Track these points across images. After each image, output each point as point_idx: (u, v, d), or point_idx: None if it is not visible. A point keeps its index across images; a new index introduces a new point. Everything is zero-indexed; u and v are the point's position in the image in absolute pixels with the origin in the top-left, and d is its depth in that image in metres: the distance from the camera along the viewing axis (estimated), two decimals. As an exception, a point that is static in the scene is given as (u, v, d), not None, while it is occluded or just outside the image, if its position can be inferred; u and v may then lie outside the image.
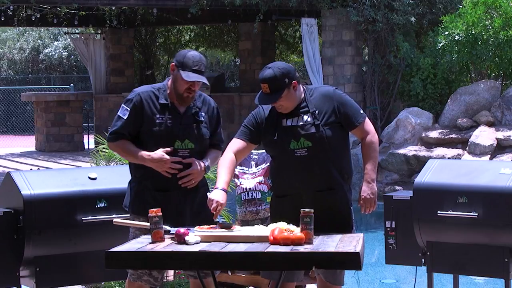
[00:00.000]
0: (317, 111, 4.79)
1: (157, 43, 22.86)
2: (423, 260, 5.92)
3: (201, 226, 4.62)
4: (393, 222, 6.09)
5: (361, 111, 4.93)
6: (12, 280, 5.45)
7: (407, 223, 5.92)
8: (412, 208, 5.86)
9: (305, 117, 4.79)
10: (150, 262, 4.31)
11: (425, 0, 15.62)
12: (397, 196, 6.17)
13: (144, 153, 4.93)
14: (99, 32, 20.62)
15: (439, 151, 13.36)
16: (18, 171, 5.69)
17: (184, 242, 4.43)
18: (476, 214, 5.54)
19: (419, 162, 12.94)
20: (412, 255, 5.99)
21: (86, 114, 22.24)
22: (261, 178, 6.30)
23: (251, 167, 6.40)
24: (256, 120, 4.91)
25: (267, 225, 4.64)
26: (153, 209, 4.54)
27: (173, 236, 4.53)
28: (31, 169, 11.21)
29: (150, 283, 4.95)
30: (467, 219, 5.57)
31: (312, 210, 4.38)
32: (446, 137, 13.66)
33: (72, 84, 24.54)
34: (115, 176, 5.56)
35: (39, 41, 30.59)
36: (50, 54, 30.03)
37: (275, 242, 4.32)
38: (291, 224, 4.50)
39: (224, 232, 4.51)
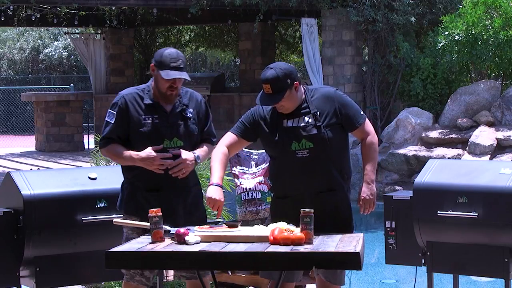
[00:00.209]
0: (318, 112, 4.79)
1: (157, 43, 22.85)
2: (423, 260, 5.92)
3: (202, 226, 4.62)
4: (393, 222, 6.09)
5: (361, 112, 4.94)
6: (12, 280, 5.46)
7: (407, 223, 5.92)
8: (412, 208, 5.86)
9: (306, 118, 4.79)
10: (150, 262, 4.31)
11: (425, 0, 15.62)
12: (397, 196, 6.17)
13: (133, 153, 4.93)
14: (99, 32, 20.62)
15: (439, 151, 13.36)
16: (18, 171, 5.69)
17: (184, 242, 4.43)
18: (476, 214, 5.54)
19: (419, 162, 12.94)
20: (412, 255, 5.99)
21: (86, 114, 22.24)
22: (261, 178, 6.30)
23: (251, 167, 6.40)
24: (254, 118, 4.90)
25: (266, 225, 4.64)
26: (153, 209, 4.54)
27: (173, 236, 4.53)
28: (31, 169, 11.20)
29: (142, 283, 4.95)
30: (467, 219, 5.57)
31: (312, 210, 4.38)
32: (446, 137, 13.66)
33: (72, 84, 24.54)
34: (115, 176, 5.56)
35: (39, 41, 30.59)
36: (50, 54, 30.03)
37: (275, 242, 4.32)
38: (291, 224, 4.51)
39: (224, 232, 4.52)
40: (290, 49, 23.25)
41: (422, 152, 13.46)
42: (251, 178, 6.33)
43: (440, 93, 14.97)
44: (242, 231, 4.56)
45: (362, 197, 4.87)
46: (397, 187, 12.92)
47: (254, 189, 6.28)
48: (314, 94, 4.87)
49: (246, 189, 6.29)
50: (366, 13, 15.11)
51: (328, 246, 4.31)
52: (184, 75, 4.92)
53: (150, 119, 4.97)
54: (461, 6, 14.69)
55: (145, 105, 4.99)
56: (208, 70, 28.12)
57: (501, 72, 14.77)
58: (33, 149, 20.07)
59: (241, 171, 6.38)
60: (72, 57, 29.68)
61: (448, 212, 5.63)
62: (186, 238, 4.44)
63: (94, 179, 5.66)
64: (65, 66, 30.23)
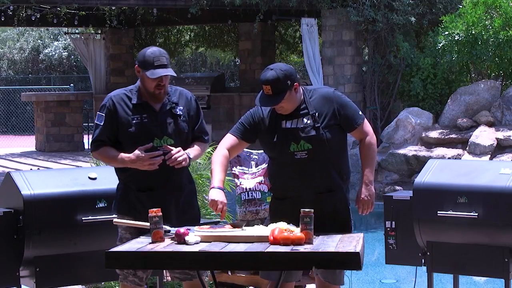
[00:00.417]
0: (317, 113, 4.79)
1: (157, 43, 22.83)
2: (423, 260, 5.92)
3: (202, 226, 4.62)
4: (393, 222, 6.09)
5: (360, 112, 4.93)
6: (12, 280, 5.46)
7: (407, 223, 5.92)
8: (412, 208, 5.86)
9: (305, 120, 4.78)
10: (150, 262, 4.31)
11: (425, 0, 15.62)
12: (397, 196, 6.17)
13: (124, 155, 4.92)
14: (99, 32, 20.62)
15: (439, 151, 13.36)
16: (18, 171, 5.69)
17: (184, 242, 4.43)
18: (476, 214, 5.54)
19: (419, 162, 12.94)
20: (412, 255, 5.99)
21: (86, 114, 22.24)
22: (261, 178, 6.30)
23: (251, 167, 6.40)
24: (253, 119, 4.90)
25: (266, 226, 4.64)
26: (153, 209, 4.54)
27: (173, 236, 4.53)
28: (31, 169, 11.21)
29: (135, 283, 4.96)
30: (467, 219, 5.57)
31: (312, 210, 4.38)
32: (446, 137, 13.66)
33: (72, 84, 24.54)
34: (115, 176, 5.54)
35: (39, 41, 30.59)
36: (50, 54, 30.03)
37: (275, 242, 4.32)
38: (291, 224, 4.51)
39: (224, 232, 4.52)
40: (290, 49, 23.25)
41: (422, 152, 13.46)
42: (251, 178, 6.33)
43: (440, 93, 14.97)
44: (242, 231, 4.56)
45: (361, 198, 4.88)
46: (397, 187, 12.91)
47: (254, 189, 6.28)
48: (313, 95, 4.87)
49: (246, 189, 6.29)
50: (366, 13, 15.11)
51: (328, 246, 4.31)
52: (170, 72, 4.92)
53: (139, 118, 4.96)
54: (461, 6, 14.69)
55: (133, 105, 4.98)
56: (208, 70, 28.12)
57: (501, 72, 14.77)
58: (33, 149, 20.06)
59: (241, 171, 6.38)
60: (72, 57, 29.68)
61: (448, 212, 5.63)
62: (186, 238, 4.44)
63: (94, 179, 5.66)
64: (65, 66, 30.23)
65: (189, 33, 23.93)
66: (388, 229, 6.11)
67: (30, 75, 30.27)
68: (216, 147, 4.99)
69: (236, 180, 6.39)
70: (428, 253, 5.83)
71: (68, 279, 5.61)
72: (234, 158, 6.31)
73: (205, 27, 22.69)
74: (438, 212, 5.66)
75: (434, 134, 13.82)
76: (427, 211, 5.73)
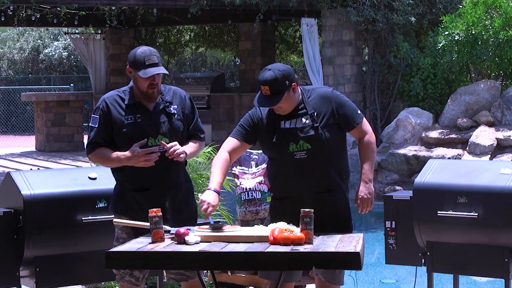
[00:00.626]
0: (315, 113, 4.79)
1: (157, 43, 22.84)
2: (423, 260, 5.92)
3: (202, 226, 4.62)
4: (393, 222, 6.09)
5: (359, 112, 4.93)
6: (12, 280, 5.46)
7: (407, 223, 5.92)
8: (412, 208, 5.86)
9: (304, 119, 4.78)
10: (150, 262, 4.31)
11: (425, 0, 15.61)
12: (397, 196, 6.17)
13: (120, 154, 4.92)
14: (99, 32, 20.61)
15: (439, 151, 13.36)
16: (18, 171, 5.69)
17: (184, 242, 4.43)
18: (476, 214, 5.54)
19: (419, 162, 12.94)
20: (412, 255, 5.99)
21: (86, 114, 22.23)
22: (261, 178, 6.31)
23: (251, 167, 6.40)
24: (253, 120, 4.90)
25: (266, 226, 4.64)
26: (153, 209, 4.54)
27: (173, 236, 4.53)
28: (31, 169, 11.21)
29: (132, 283, 4.95)
30: (467, 219, 5.57)
31: (312, 210, 4.38)
32: (446, 137, 13.66)
33: (72, 84, 24.53)
34: (115, 176, 5.56)
35: (39, 41, 30.59)
36: (50, 54, 30.03)
37: (275, 242, 4.32)
38: (291, 224, 4.51)
39: (224, 232, 4.52)
40: (290, 49, 23.24)
41: (422, 152, 13.46)
42: (251, 178, 6.34)
43: (440, 93, 14.97)
44: (242, 231, 4.56)
45: (360, 196, 4.88)
46: (397, 187, 12.91)
47: (254, 189, 6.28)
48: (311, 94, 4.86)
49: (246, 189, 6.29)
50: (366, 13, 15.11)
51: (328, 246, 4.31)
52: (162, 70, 4.91)
53: (132, 119, 4.95)
54: (461, 6, 14.69)
55: (127, 106, 4.98)
56: (208, 70, 28.12)
57: (501, 72, 14.77)
58: (33, 149, 20.06)
59: (241, 171, 6.38)
60: (72, 57, 29.68)
61: (448, 212, 5.63)
62: (186, 238, 4.44)
63: (94, 179, 5.66)
64: (65, 66, 30.23)
65: (189, 33, 23.93)
66: (388, 229, 6.11)
67: (30, 75, 30.27)
68: (216, 147, 4.99)
69: (236, 180, 6.40)
70: (428, 253, 5.83)
71: (68, 279, 5.61)
72: (234, 158, 6.30)
73: (205, 27, 22.69)
74: (438, 212, 5.66)
75: (434, 134, 13.82)
76: (427, 211, 5.73)
